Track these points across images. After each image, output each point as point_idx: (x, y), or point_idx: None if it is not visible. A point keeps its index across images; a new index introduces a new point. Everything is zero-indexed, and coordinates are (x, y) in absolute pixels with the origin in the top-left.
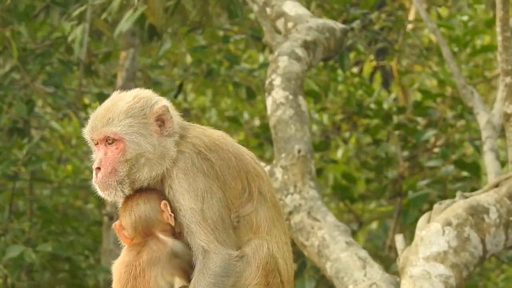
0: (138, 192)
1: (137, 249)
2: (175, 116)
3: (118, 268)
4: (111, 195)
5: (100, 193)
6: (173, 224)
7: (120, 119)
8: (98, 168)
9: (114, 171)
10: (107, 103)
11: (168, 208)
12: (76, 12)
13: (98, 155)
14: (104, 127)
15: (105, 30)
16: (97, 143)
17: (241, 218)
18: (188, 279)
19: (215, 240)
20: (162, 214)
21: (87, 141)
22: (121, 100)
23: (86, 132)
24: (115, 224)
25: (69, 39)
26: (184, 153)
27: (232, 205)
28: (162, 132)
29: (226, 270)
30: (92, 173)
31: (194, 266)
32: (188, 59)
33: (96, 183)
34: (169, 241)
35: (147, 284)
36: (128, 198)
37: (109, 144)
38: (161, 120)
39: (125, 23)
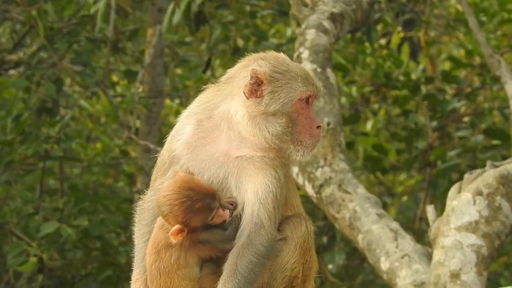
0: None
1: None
2: None
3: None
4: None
5: (312, 151)
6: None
7: None
8: (319, 126)
9: None
10: (296, 64)
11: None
12: None
13: (312, 114)
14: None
15: (127, 7)
16: (307, 102)
17: None
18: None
19: (274, 217)
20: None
21: (296, 98)
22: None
23: (314, 89)
24: (173, 233)
25: (92, 11)
26: None
27: None
28: None
29: (269, 252)
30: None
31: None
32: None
33: (318, 141)
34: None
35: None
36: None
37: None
38: None
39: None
